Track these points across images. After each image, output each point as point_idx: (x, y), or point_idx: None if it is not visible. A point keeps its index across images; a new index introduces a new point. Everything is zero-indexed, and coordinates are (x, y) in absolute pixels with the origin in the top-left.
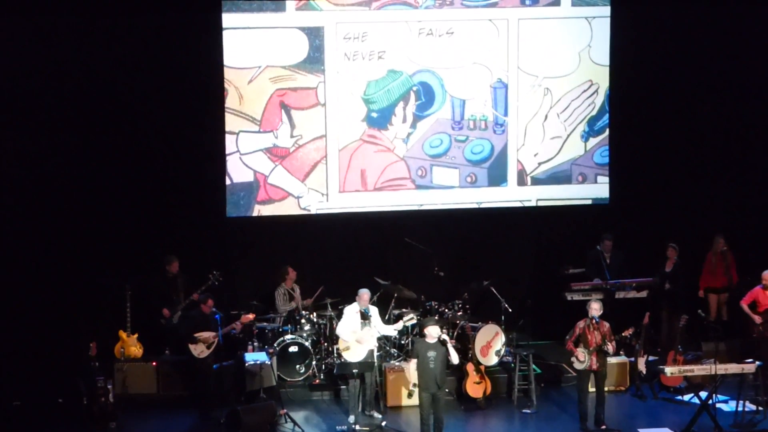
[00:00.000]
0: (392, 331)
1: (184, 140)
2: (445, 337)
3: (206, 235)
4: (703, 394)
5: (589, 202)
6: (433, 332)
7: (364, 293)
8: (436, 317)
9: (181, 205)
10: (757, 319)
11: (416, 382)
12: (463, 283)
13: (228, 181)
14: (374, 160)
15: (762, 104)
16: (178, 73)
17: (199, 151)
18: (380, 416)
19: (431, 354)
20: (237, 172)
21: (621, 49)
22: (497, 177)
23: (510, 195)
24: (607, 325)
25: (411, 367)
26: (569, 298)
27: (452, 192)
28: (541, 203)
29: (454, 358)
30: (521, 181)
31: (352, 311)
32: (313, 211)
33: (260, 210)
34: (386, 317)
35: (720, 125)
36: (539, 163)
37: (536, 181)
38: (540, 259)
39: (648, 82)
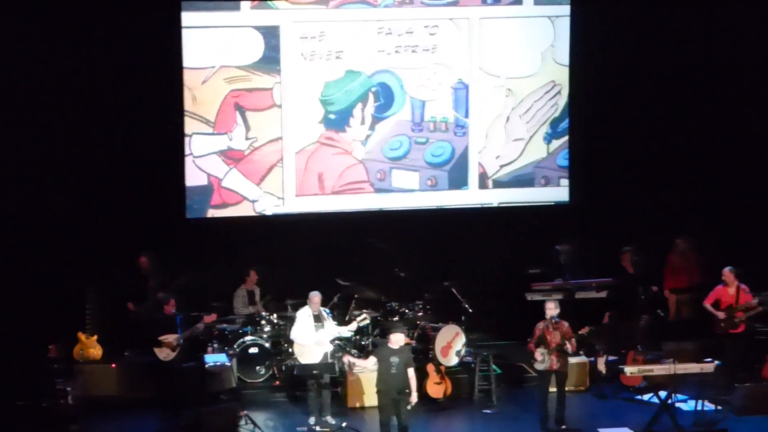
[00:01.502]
0: (346, 332)
1: (143, 140)
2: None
3: (166, 237)
4: (663, 394)
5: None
6: (399, 339)
7: (315, 296)
8: (396, 318)
9: (140, 207)
10: (721, 315)
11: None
12: (424, 284)
13: None
14: (332, 163)
15: (724, 105)
16: (138, 73)
17: (158, 151)
18: (334, 422)
19: (394, 360)
20: (190, 175)
21: (581, 49)
22: (458, 180)
23: (471, 199)
24: (566, 324)
25: (368, 364)
26: (530, 298)
27: (412, 195)
28: (503, 206)
29: (414, 397)
30: (482, 185)
31: (304, 315)
32: (269, 214)
33: (214, 214)
34: (347, 318)
35: (682, 125)
36: (501, 166)
37: (498, 184)
38: (501, 260)
39: (608, 82)
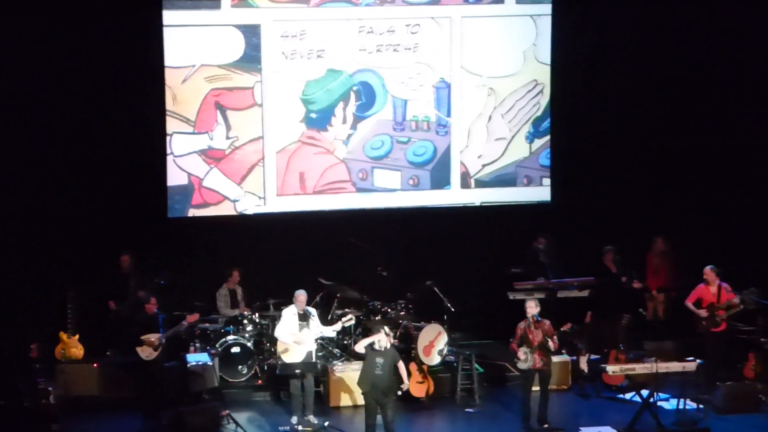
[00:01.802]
0: (331, 332)
1: (125, 140)
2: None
3: (148, 237)
4: (645, 393)
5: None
6: (382, 340)
7: (301, 294)
8: (378, 317)
9: (122, 206)
10: (703, 313)
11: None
12: (406, 283)
13: None
14: (313, 163)
15: (705, 105)
16: (119, 72)
17: (140, 150)
18: (317, 421)
19: (379, 360)
20: (171, 174)
21: (563, 48)
22: (440, 180)
23: (453, 198)
24: (547, 322)
25: (360, 347)
26: (512, 297)
27: (394, 195)
28: (485, 205)
29: (405, 385)
30: (465, 184)
31: (290, 313)
32: (250, 214)
33: (195, 214)
34: (329, 317)
35: (664, 124)
36: (483, 165)
37: (480, 184)
38: (484, 259)
39: (590, 81)
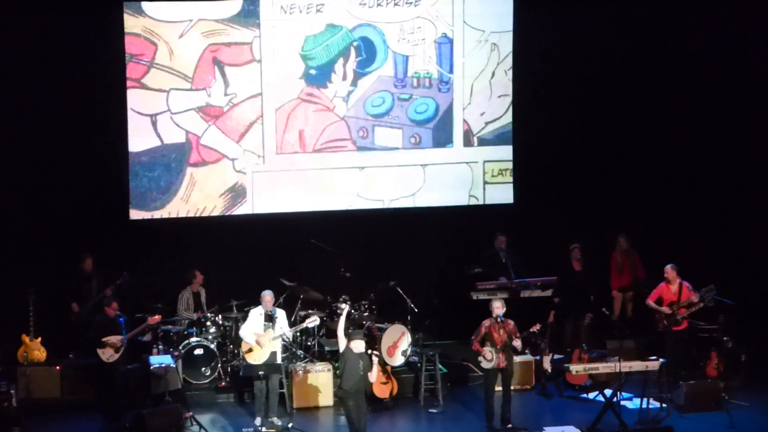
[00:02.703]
0: (291, 334)
1: (87, 140)
2: (375, 357)
3: (110, 238)
4: (608, 392)
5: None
6: (360, 346)
7: (267, 295)
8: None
9: (83, 208)
10: (666, 310)
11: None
12: (369, 284)
13: (158, 142)
14: (313, 120)
15: (663, 104)
16: (80, 71)
17: (102, 151)
18: (280, 423)
19: (361, 364)
20: (168, 132)
21: (523, 49)
22: (442, 138)
23: (456, 156)
24: (511, 323)
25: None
26: (474, 297)
27: (396, 154)
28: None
29: (373, 376)
30: (467, 142)
31: (256, 313)
32: (248, 174)
33: (193, 173)
34: (292, 318)
35: (623, 123)
36: (486, 123)
37: (483, 142)
38: (446, 260)
39: (551, 82)
